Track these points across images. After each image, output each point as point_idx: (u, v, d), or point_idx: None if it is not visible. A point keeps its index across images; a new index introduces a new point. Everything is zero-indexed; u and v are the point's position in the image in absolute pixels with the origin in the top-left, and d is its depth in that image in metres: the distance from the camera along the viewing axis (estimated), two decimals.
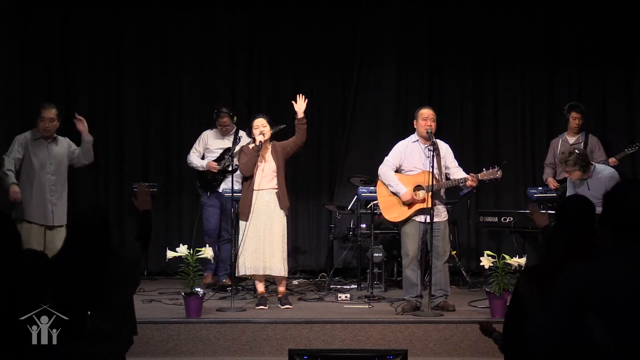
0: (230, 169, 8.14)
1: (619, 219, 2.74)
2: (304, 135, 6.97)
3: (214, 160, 8.27)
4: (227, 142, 8.27)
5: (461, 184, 6.75)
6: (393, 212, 6.90)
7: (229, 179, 8.11)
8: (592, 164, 7.19)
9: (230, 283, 8.09)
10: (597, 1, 9.26)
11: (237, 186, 7.50)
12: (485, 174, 6.57)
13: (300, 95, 6.96)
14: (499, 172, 6.56)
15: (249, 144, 7.07)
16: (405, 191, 6.76)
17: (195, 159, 8.35)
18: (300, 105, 6.93)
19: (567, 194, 7.34)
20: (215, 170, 8.21)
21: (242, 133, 8.18)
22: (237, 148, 7.71)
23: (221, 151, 8.29)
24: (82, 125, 7.15)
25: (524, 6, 9.41)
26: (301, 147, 7.11)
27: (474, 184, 6.64)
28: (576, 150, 7.21)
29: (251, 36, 9.46)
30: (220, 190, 8.23)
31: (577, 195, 5.47)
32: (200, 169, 8.32)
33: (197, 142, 8.42)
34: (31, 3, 9.08)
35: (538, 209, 4.48)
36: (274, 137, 7.06)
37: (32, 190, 7.08)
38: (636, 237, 2.71)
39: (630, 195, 2.76)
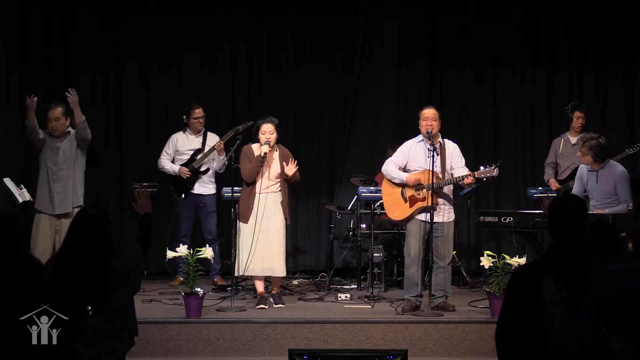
0: (201, 169, 8.17)
1: None
2: (296, 181, 7.17)
3: (184, 164, 8.25)
4: (197, 144, 8.31)
5: (460, 182, 6.75)
6: (396, 211, 6.92)
7: (203, 179, 8.16)
8: (609, 159, 7.15)
9: (220, 282, 8.11)
10: (597, 1, 9.26)
11: (210, 188, 8.20)
12: (482, 172, 6.57)
13: (292, 160, 7.01)
14: (495, 170, 6.54)
15: (250, 144, 7.04)
16: (407, 175, 6.77)
17: (166, 163, 8.32)
18: (289, 169, 6.98)
19: (575, 186, 7.33)
20: (188, 175, 8.20)
21: (210, 134, 8.22)
22: (207, 149, 8.11)
23: (191, 153, 8.30)
24: (73, 101, 7.19)
25: (523, 6, 9.41)
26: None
27: (471, 182, 6.65)
28: (600, 140, 7.07)
29: (251, 36, 9.45)
30: (194, 192, 8.24)
31: (569, 196, 5.47)
32: (172, 173, 8.29)
33: (166, 145, 8.38)
34: (31, 3, 9.08)
35: None
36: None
37: (41, 180, 7.37)
38: None
39: None
